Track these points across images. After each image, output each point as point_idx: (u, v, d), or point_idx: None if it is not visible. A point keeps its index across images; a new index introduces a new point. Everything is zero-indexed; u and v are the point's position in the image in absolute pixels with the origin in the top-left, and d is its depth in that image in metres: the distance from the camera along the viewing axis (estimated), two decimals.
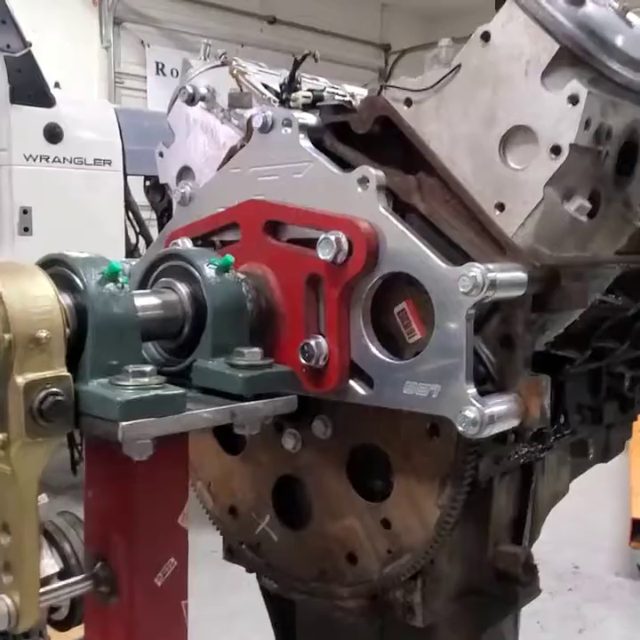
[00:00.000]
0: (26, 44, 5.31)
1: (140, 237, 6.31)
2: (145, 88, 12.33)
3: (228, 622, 4.48)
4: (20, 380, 1.24)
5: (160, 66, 12.39)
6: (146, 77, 12.36)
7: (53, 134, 5.38)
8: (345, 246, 1.55)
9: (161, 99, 11.30)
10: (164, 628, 1.49)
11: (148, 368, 1.31)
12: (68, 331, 1.31)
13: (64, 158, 5.46)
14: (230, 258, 1.57)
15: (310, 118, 1.73)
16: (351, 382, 1.62)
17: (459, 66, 1.58)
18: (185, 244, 1.82)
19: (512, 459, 1.84)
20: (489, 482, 1.81)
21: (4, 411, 1.26)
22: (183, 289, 1.56)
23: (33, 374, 1.25)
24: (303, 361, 1.62)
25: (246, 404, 1.42)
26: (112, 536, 1.46)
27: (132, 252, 6.07)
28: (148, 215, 6.52)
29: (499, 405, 1.48)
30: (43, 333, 1.26)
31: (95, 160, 5.59)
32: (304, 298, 1.64)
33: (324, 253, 1.56)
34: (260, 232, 1.73)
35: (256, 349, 1.50)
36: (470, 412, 1.44)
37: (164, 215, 6.30)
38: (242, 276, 1.64)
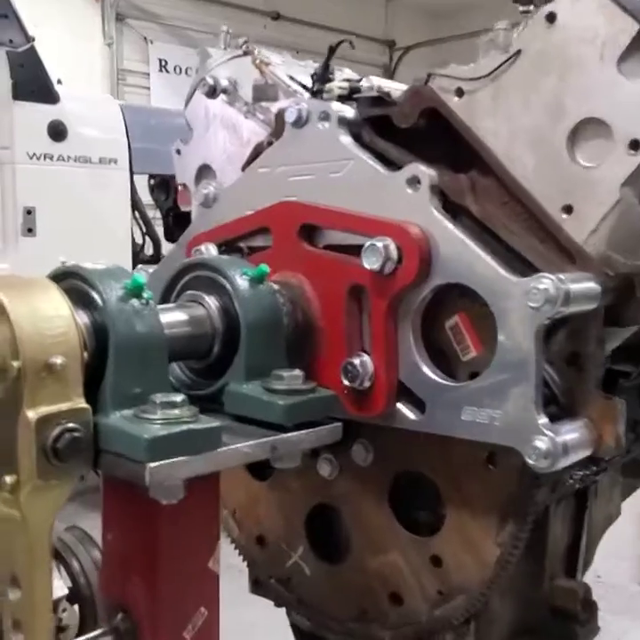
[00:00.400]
0: (29, 39, 5.13)
1: (147, 238, 6.14)
2: (148, 85, 12.17)
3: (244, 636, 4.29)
4: (32, 414, 1.07)
5: (163, 62, 12.25)
6: (149, 74, 12.20)
7: (57, 132, 5.19)
8: (394, 254, 1.39)
9: (164, 96, 11.21)
10: None
11: (178, 398, 1.14)
12: (85, 355, 1.14)
13: (68, 157, 5.26)
14: (265, 268, 1.40)
15: (349, 111, 1.56)
16: (399, 405, 1.46)
17: (519, 51, 1.41)
18: (209, 250, 1.66)
19: (567, 484, 1.67)
20: (545, 511, 1.64)
21: (13, 449, 1.09)
22: (212, 302, 1.39)
23: (46, 407, 1.08)
24: (346, 382, 1.45)
25: (287, 435, 1.25)
26: (134, 583, 1.29)
27: (138, 253, 5.90)
28: (153, 214, 6.35)
29: (570, 433, 1.32)
30: (57, 360, 1.08)
31: (100, 158, 5.40)
32: (346, 311, 1.48)
33: (370, 262, 1.39)
34: (295, 237, 1.56)
35: (297, 372, 1.33)
36: (541, 443, 1.27)
37: (169, 214, 6.17)
38: (276, 287, 1.47)
